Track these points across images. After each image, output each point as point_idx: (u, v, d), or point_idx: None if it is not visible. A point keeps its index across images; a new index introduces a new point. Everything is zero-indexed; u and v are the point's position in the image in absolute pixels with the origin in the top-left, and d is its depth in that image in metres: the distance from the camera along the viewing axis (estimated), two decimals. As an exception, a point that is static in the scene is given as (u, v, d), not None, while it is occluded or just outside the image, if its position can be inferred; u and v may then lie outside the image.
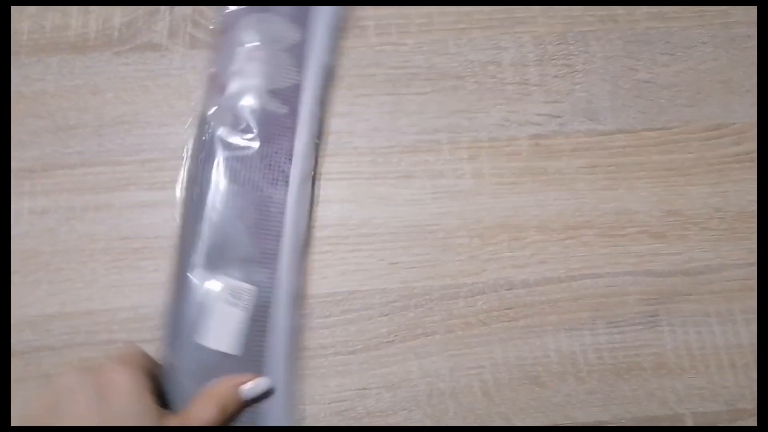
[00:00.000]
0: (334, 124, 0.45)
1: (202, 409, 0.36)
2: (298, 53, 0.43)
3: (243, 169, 0.41)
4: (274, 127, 0.41)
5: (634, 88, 0.46)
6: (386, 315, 0.42)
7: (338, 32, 0.45)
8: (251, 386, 0.38)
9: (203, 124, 0.42)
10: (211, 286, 0.39)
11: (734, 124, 0.45)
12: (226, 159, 0.40)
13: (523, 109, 0.46)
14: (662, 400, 0.41)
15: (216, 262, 0.39)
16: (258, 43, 0.42)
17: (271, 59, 0.42)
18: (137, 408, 0.33)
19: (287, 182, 0.41)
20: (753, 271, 0.43)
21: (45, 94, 0.45)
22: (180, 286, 0.39)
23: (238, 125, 0.41)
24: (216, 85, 0.42)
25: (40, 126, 0.44)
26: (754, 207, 0.44)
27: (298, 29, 0.43)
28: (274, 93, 0.42)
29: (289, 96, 0.42)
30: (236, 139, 0.41)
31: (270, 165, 0.41)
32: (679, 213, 0.44)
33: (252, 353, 0.39)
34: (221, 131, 0.41)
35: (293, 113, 0.42)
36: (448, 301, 0.43)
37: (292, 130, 0.42)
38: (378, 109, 0.46)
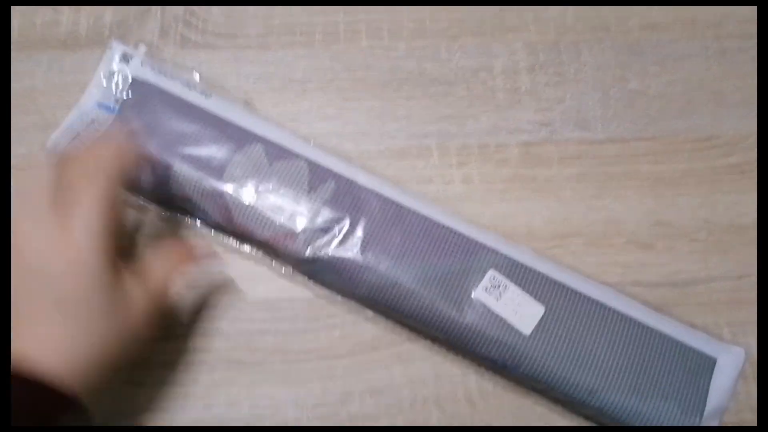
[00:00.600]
0: (323, 126, 0.45)
1: (158, 267, 0.37)
2: (269, 152, 0.41)
3: (368, 243, 0.40)
4: (342, 202, 0.40)
5: (625, 97, 0.46)
6: (371, 320, 0.42)
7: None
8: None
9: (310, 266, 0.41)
10: (476, 300, 0.39)
11: (724, 135, 0.45)
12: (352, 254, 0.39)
13: (514, 116, 0.46)
14: (647, 411, 0.41)
15: (454, 292, 0.39)
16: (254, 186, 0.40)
17: (263, 177, 0.41)
18: (92, 264, 0.32)
19: (403, 206, 0.41)
20: (740, 283, 0.43)
21: (34, 90, 0.45)
22: (461, 332, 0.39)
23: (327, 233, 0.40)
24: (282, 240, 0.40)
25: (29, 122, 0.44)
26: (743, 219, 0.44)
27: (223, 148, 0.41)
28: (311, 187, 0.41)
29: (317, 175, 0.41)
30: (342, 245, 0.40)
31: (376, 221, 0.40)
32: (667, 224, 0.44)
33: (555, 304, 0.39)
34: (325, 254, 0.40)
35: (334, 176, 0.41)
36: (434, 307, 0.42)
37: (351, 182, 0.41)
38: (367, 113, 0.45)
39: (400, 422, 0.41)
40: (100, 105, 0.42)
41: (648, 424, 0.37)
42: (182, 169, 0.40)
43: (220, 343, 0.41)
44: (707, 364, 0.38)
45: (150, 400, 0.40)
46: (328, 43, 0.47)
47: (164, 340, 0.41)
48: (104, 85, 0.42)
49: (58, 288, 0.32)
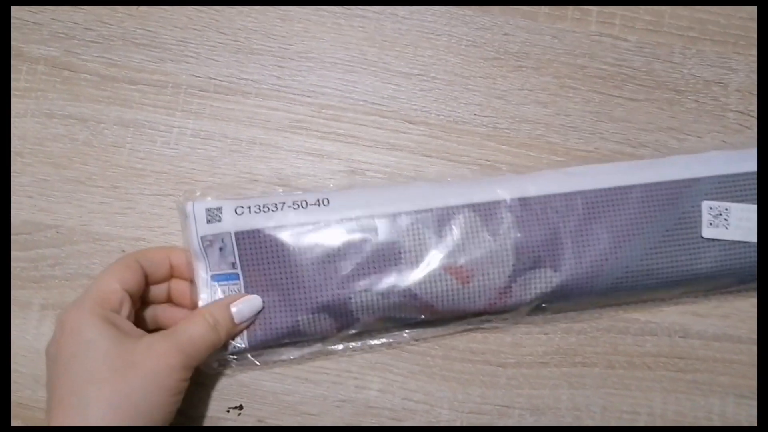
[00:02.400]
0: (532, 112, 0.41)
1: (191, 326, 0.34)
2: (430, 220, 0.36)
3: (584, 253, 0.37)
4: (529, 225, 0.37)
5: None
6: (546, 334, 0.39)
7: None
8: (239, 305, 0.35)
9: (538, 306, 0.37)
10: (708, 239, 0.37)
11: None
12: None
13: (741, 142, 0.41)
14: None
15: (683, 244, 0.37)
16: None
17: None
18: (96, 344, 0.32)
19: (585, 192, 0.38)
20: None
21: (231, 9, 0.41)
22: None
23: (536, 268, 0.36)
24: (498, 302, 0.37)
25: (221, 42, 0.41)
26: None
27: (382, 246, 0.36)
28: (491, 232, 0.36)
29: (489, 215, 0.37)
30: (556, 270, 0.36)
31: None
32: None
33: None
34: (548, 287, 0.36)
35: (503, 205, 0.37)
36: (616, 335, 0.39)
37: (524, 200, 0.37)
38: (582, 106, 0.41)
39: (557, 449, 0.38)
40: (216, 278, 0.36)
41: None
42: (360, 296, 0.35)
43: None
44: None
45: (301, 371, 0.38)
46: (553, 20, 0.42)
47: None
48: (205, 255, 0.35)
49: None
